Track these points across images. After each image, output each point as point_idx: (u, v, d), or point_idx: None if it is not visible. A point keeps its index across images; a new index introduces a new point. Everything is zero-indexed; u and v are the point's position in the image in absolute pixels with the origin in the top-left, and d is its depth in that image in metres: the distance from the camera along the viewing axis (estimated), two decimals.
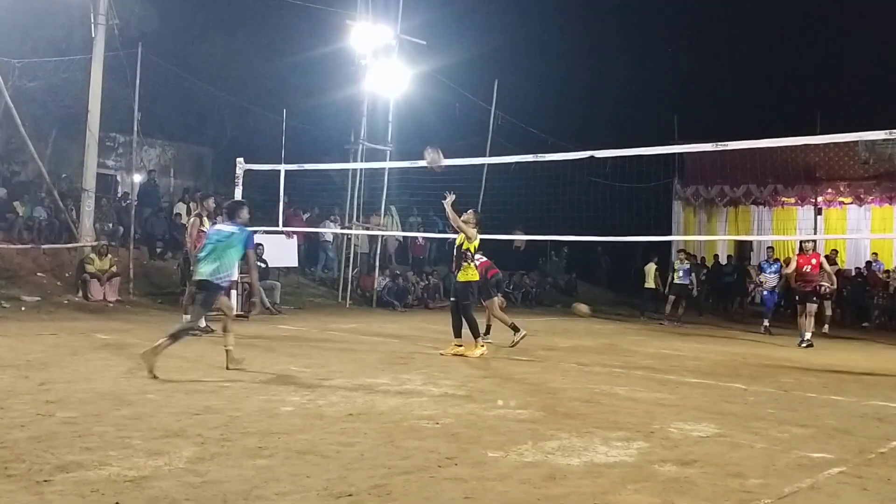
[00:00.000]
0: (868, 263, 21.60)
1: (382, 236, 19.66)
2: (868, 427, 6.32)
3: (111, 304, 14.69)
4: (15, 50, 16.39)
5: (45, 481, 3.87)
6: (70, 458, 4.30)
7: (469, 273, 9.96)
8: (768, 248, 18.64)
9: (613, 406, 6.74)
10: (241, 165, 14.43)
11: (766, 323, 16.58)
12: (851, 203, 23.30)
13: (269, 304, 15.59)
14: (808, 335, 13.69)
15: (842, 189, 23.38)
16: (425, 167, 11.05)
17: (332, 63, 20.75)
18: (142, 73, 15.93)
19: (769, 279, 17.17)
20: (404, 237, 21.57)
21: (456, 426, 5.58)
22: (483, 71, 23.33)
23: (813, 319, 14.05)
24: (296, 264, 18.83)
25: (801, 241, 16.01)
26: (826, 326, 17.81)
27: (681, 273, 18.37)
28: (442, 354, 9.85)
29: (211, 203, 11.50)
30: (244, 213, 8.26)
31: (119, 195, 20.84)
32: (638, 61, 30.11)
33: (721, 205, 25.65)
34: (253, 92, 23.50)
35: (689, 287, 18.44)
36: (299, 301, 17.69)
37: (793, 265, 14.68)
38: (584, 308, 14.68)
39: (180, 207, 19.50)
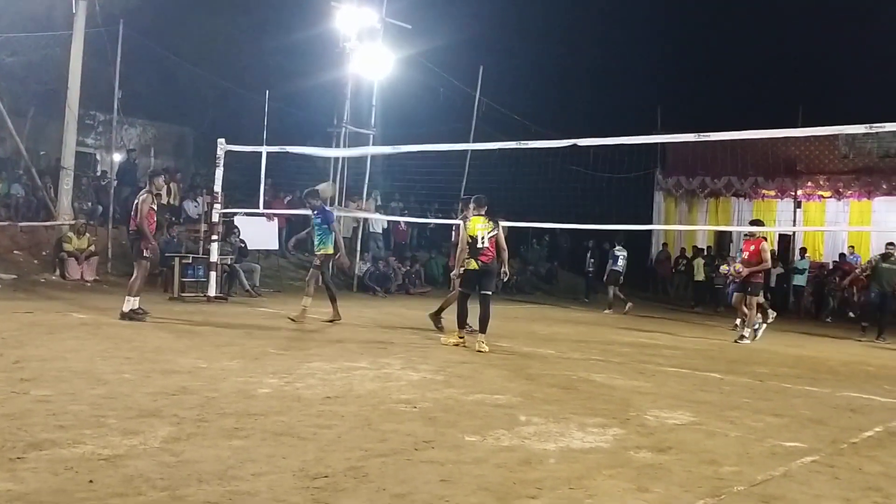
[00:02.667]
0: (842, 255, 21.78)
1: (364, 221, 19.62)
2: (841, 417, 6.40)
3: (88, 284, 14.58)
4: None
5: (19, 458, 3.84)
6: (44, 435, 4.27)
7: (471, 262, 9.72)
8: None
9: (590, 393, 6.77)
10: (222, 146, 14.31)
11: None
12: (830, 197, 23.52)
13: (248, 287, 15.54)
14: (756, 327, 12.92)
15: (821, 183, 23.59)
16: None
17: (317, 45, 20.61)
18: (123, 51, 15.75)
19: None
20: (387, 222, 21.53)
21: (433, 410, 5.59)
22: (468, 56, 23.26)
23: (753, 312, 12.94)
24: (276, 247, 18.76)
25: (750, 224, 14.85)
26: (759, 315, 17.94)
27: (615, 259, 18.36)
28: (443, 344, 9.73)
29: (160, 181, 11.19)
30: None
31: (98, 174, 20.65)
32: (622, 52, 30.14)
33: (702, 196, 25.82)
34: (236, 73, 23.29)
35: (620, 272, 18.34)
36: (279, 284, 17.63)
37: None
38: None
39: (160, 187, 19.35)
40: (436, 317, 11.08)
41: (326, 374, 6.85)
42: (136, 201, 10.52)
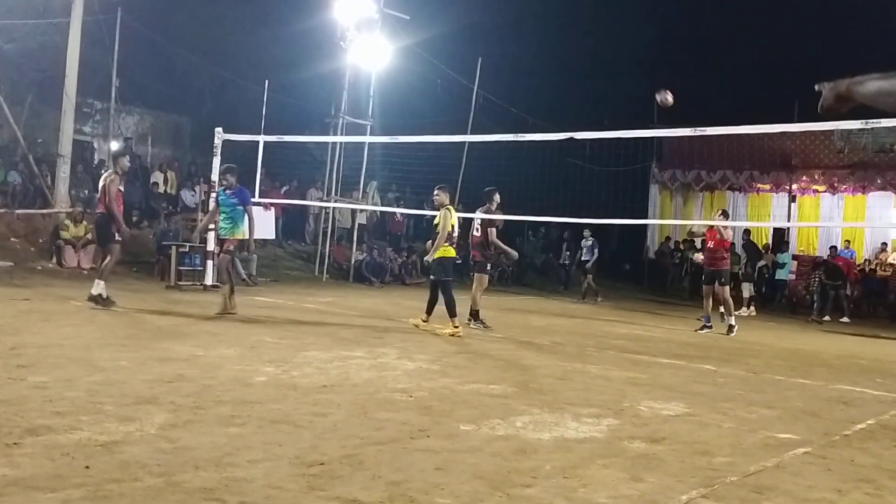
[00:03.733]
0: (833, 248, 21.64)
1: (361, 210, 19.64)
2: (834, 410, 6.44)
3: (85, 272, 14.57)
4: None
5: (15, 444, 3.85)
6: (40, 422, 4.28)
7: (444, 250, 9.98)
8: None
9: (585, 384, 6.80)
10: (219, 135, 14.32)
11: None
12: (825, 191, 23.57)
13: (244, 276, 15.55)
14: (732, 319, 12.66)
15: (816, 177, 23.65)
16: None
17: (315, 36, 20.56)
18: (121, 40, 15.76)
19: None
20: (382, 213, 21.54)
21: (429, 399, 5.61)
22: (466, 48, 23.21)
23: (730, 303, 12.87)
24: (273, 236, 18.77)
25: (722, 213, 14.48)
26: (752, 308, 17.97)
27: (584, 250, 18.39)
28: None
29: (125, 162, 10.57)
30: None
31: (95, 162, 20.61)
32: (620, 45, 30.08)
33: (697, 190, 25.87)
34: (234, 62, 23.24)
35: (589, 262, 18.36)
36: (276, 273, 17.65)
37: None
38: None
39: (157, 176, 19.36)
40: (475, 317, 10.83)
41: (323, 362, 6.87)
42: (101, 183, 10.13)
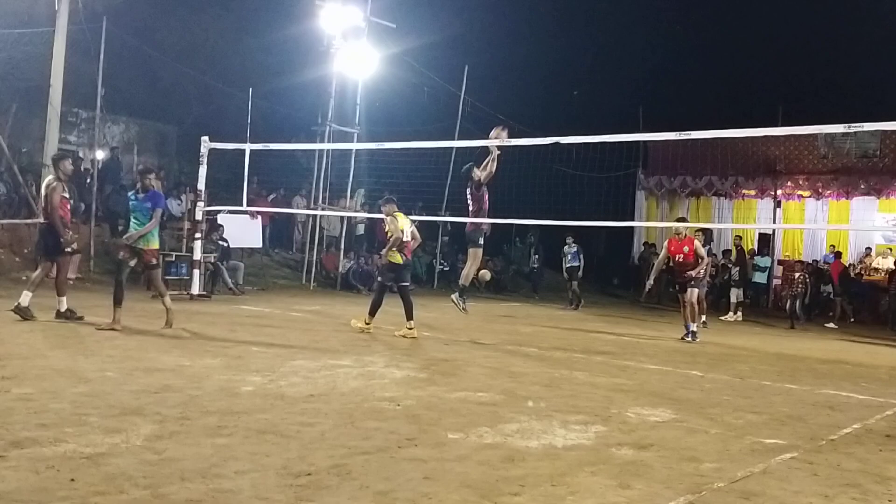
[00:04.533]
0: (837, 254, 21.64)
1: (350, 219, 19.63)
2: (820, 415, 6.48)
3: (71, 282, 14.38)
4: None
5: (0, 457, 3.83)
6: (25, 434, 4.25)
7: (394, 255, 10.46)
8: (697, 231, 16.28)
9: (573, 390, 6.81)
10: (205, 144, 14.28)
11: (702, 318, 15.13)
12: (810, 196, 23.72)
13: (231, 285, 15.51)
14: (693, 326, 12.44)
15: (801, 182, 23.81)
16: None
17: (301, 44, 20.55)
18: (106, 49, 15.66)
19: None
20: (369, 220, 21.51)
21: (417, 408, 5.61)
22: (452, 56, 23.27)
23: (696, 309, 12.80)
24: (260, 245, 18.72)
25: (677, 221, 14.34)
26: (739, 313, 18.03)
27: (569, 256, 18.40)
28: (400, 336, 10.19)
29: (68, 165, 9.73)
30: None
31: (81, 171, 20.50)
32: (605, 52, 30.22)
33: (683, 195, 25.97)
34: (220, 70, 23.16)
35: (577, 268, 18.38)
36: (263, 282, 17.59)
37: (663, 252, 13.42)
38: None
39: None
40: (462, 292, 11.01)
41: (310, 372, 6.85)
42: (43, 191, 9.50)
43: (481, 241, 11.04)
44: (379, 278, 10.87)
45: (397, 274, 10.51)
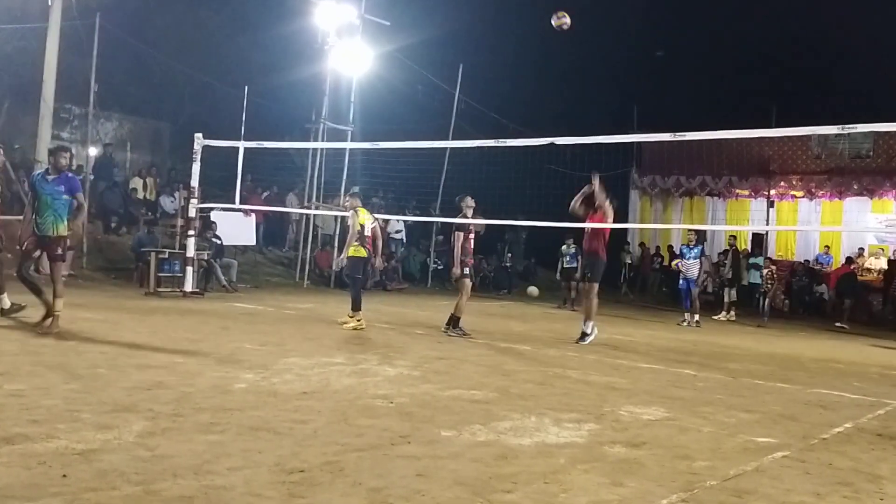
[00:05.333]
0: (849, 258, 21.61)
1: (345, 218, 19.59)
2: (812, 414, 6.49)
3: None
4: None
5: None
6: (17, 430, 4.23)
7: (354, 250, 10.73)
8: (690, 231, 16.85)
9: (566, 388, 6.82)
10: (199, 141, 14.24)
11: (686, 317, 15.44)
12: (803, 196, 23.80)
13: (224, 282, 15.47)
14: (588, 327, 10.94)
15: (794, 182, 23.90)
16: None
17: (295, 41, 20.51)
18: (99, 45, 15.60)
19: (689, 266, 15.46)
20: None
21: (410, 406, 5.60)
22: (447, 54, 23.27)
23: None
24: (253, 243, 18.69)
25: None
26: (732, 313, 18.05)
27: (568, 258, 18.35)
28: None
29: None
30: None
31: (74, 168, 20.44)
32: (600, 52, 30.24)
33: (677, 195, 26.03)
34: (213, 67, 23.10)
35: (576, 269, 18.23)
36: (256, 280, 17.56)
37: None
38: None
39: (136, 182, 19.24)
40: (455, 324, 10.67)
41: (303, 369, 6.84)
42: None
43: (467, 271, 11.05)
44: (347, 273, 11.13)
45: (364, 267, 10.90)
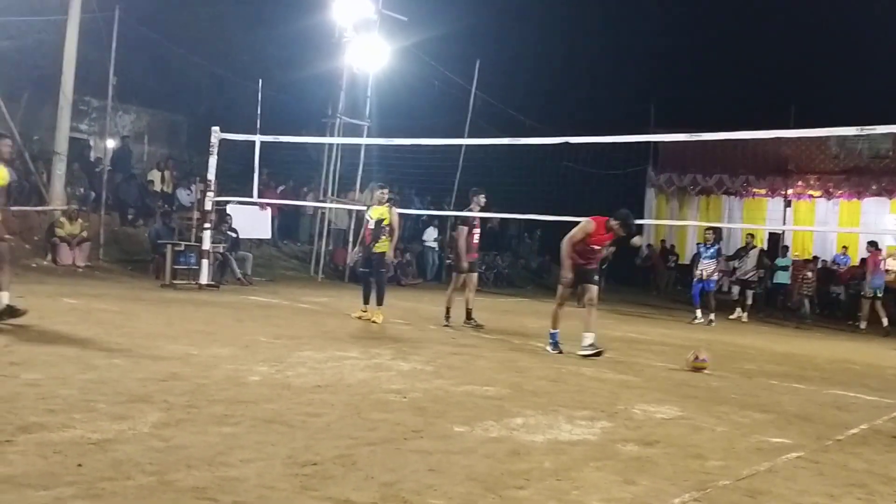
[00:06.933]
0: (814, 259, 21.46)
1: (359, 212, 19.61)
2: (827, 415, 6.45)
3: (80, 269, 14.55)
4: None
5: (7, 441, 3.84)
6: (33, 419, 4.27)
7: (387, 245, 10.81)
8: (707, 229, 16.69)
9: (579, 386, 6.81)
10: (216, 134, 14.31)
11: (697, 315, 15.38)
12: (820, 196, 23.64)
13: (239, 275, 15.55)
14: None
15: (812, 182, 23.73)
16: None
17: (313, 36, 20.54)
18: (118, 38, 15.68)
19: (706, 266, 15.36)
20: None
21: (423, 401, 5.61)
22: (464, 50, 23.23)
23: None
24: (269, 236, 18.77)
25: None
26: (745, 314, 17.90)
27: None
28: (356, 318, 10.70)
29: (6, 146, 8.17)
30: None
31: (92, 160, 20.59)
32: (617, 48, 30.13)
33: (693, 193, 25.91)
34: (231, 61, 23.21)
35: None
36: (271, 273, 17.63)
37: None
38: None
39: (154, 175, 19.35)
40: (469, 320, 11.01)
41: (317, 362, 6.87)
42: None
43: (466, 265, 11.10)
44: (377, 269, 10.93)
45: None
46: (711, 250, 15.50)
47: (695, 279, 15.70)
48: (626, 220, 8.87)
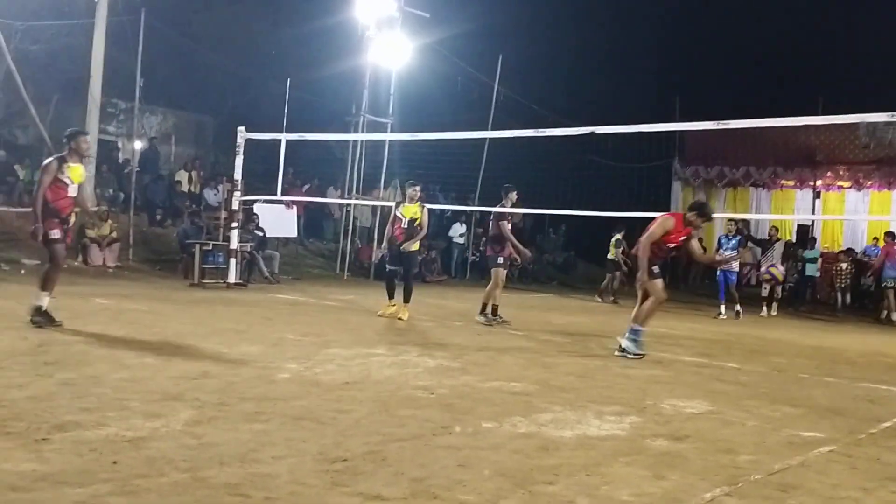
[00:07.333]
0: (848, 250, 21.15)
1: (383, 209, 19.67)
2: (859, 408, 6.38)
3: (110, 270, 14.74)
4: (17, 13, 16.29)
5: (44, 440, 3.91)
6: (68, 417, 4.34)
7: (417, 244, 10.95)
8: (729, 220, 16.46)
9: (607, 381, 6.79)
10: (242, 134, 14.41)
11: (721, 309, 15.15)
12: (850, 187, 23.29)
13: (266, 273, 15.66)
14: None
15: (841, 173, 23.37)
16: None
17: (335, 34, 20.66)
18: (144, 40, 15.85)
19: (727, 257, 14.64)
20: None
21: (450, 397, 5.63)
22: (486, 46, 23.20)
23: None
24: (295, 234, 18.87)
25: None
26: (772, 311, 17.60)
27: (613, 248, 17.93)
28: (379, 315, 10.71)
29: (83, 142, 8.11)
30: None
31: (120, 161, 20.83)
32: (641, 41, 29.96)
33: (720, 186, 25.62)
34: (256, 61, 23.40)
35: (617, 261, 17.57)
36: (298, 271, 17.74)
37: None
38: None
39: (181, 175, 19.54)
40: (494, 311, 11.00)
41: (344, 360, 6.90)
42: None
43: (500, 260, 11.09)
44: (408, 268, 10.95)
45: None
46: (733, 241, 15.33)
47: (718, 270, 15.55)
48: (702, 208, 8.59)
